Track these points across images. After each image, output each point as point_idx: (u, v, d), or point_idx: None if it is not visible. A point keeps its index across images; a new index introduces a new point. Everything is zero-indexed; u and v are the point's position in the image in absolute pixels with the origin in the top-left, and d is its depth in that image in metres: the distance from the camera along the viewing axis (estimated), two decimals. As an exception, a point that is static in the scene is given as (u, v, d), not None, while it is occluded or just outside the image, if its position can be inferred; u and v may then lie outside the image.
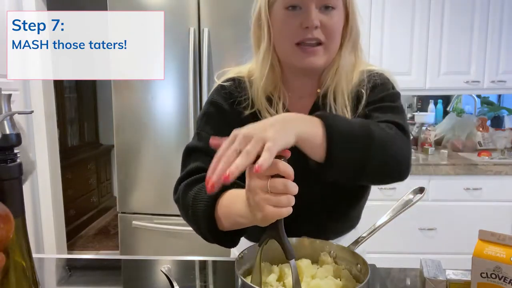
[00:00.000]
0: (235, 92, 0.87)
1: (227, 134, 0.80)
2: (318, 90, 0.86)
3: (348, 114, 0.83)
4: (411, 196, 0.83)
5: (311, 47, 0.78)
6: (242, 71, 0.91)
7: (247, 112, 0.85)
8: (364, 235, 0.79)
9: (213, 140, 0.60)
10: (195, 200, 0.74)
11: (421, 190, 0.83)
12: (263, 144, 0.54)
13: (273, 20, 0.81)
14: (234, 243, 0.76)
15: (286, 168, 0.56)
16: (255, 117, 0.84)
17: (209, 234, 0.73)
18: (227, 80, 0.90)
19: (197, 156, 0.83)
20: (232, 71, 0.93)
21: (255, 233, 0.67)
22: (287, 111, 0.86)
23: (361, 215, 1.00)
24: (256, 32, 0.85)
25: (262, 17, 0.82)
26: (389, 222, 0.81)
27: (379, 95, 0.84)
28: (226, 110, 0.87)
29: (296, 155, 0.60)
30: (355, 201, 0.93)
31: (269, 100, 0.85)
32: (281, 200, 0.56)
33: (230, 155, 0.55)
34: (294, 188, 0.57)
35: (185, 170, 0.83)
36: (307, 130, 0.62)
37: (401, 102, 0.87)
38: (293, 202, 0.57)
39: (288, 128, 0.59)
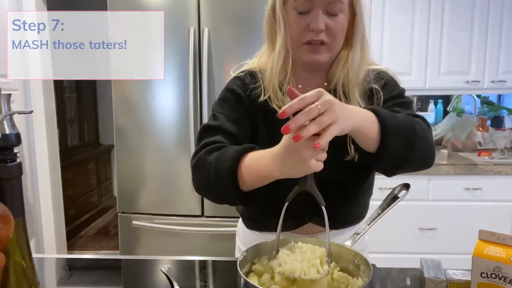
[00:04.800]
0: (248, 82, 0.95)
1: (242, 115, 0.94)
2: (325, 84, 0.94)
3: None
4: (395, 192, 0.87)
5: (316, 46, 0.86)
6: (253, 62, 0.99)
7: (259, 100, 0.92)
8: (359, 231, 0.80)
9: (291, 88, 0.66)
10: (219, 161, 0.79)
11: (405, 186, 0.85)
12: (332, 121, 0.62)
13: (286, 17, 0.88)
14: (252, 200, 0.80)
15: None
16: (267, 105, 0.91)
17: (231, 191, 0.77)
18: (240, 72, 0.98)
19: (212, 133, 0.90)
20: (246, 64, 1.00)
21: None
22: None
23: (366, 210, 1.02)
24: (271, 24, 0.92)
25: (278, 13, 0.89)
26: (380, 218, 0.82)
27: (394, 92, 0.93)
28: (241, 96, 0.94)
29: None
30: (360, 190, 0.98)
31: (280, 88, 0.92)
32: (324, 156, 0.65)
33: (311, 111, 0.61)
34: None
35: (201, 143, 0.88)
36: (364, 123, 0.71)
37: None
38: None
39: (350, 117, 0.67)
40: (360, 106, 0.88)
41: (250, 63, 0.99)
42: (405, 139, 0.75)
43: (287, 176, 0.69)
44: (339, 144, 0.85)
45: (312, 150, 0.63)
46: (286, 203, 0.70)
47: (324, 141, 0.61)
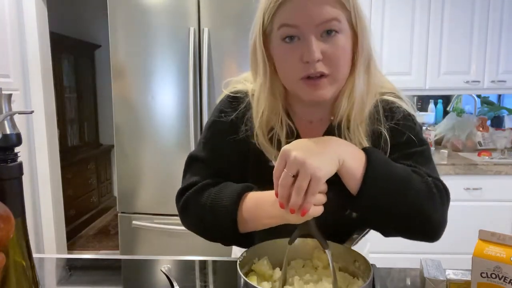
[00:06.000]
0: (243, 108, 0.84)
1: (232, 147, 0.83)
2: (332, 118, 0.81)
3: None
4: None
5: (316, 80, 0.71)
6: (247, 85, 0.86)
7: (253, 143, 0.81)
8: (358, 232, 0.79)
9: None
10: (215, 205, 0.76)
11: None
12: (310, 177, 0.59)
13: (273, 52, 0.75)
14: (252, 243, 0.78)
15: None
16: (261, 154, 0.81)
17: (232, 236, 0.77)
18: (237, 92, 0.86)
19: (198, 168, 0.85)
20: (238, 81, 0.88)
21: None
22: (298, 136, 0.82)
23: None
24: (253, 63, 0.79)
25: (257, 49, 0.75)
26: None
27: (404, 137, 0.78)
28: (234, 124, 0.83)
29: None
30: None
31: (271, 131, 0.80)
32: (322, 199, 0.63)
33: (285, 181, 0.61)
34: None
35: (186, 182, 0.84)
36: (349, 161, 0.65)
37: (422, 133, 0.82)
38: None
39: (331, 156, 0.63)
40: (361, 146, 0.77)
41: (243, 82, 0.87)
42: (393, 191, 0.66)
43: (287, 222, 0.67)
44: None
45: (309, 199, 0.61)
46: (288, 246, 0.68)
47: (309, 203, 0.60)
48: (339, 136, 0.77)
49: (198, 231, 0.82)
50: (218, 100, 0.90)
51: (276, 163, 0.63)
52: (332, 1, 0.68)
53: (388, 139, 0.77)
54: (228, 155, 0.84)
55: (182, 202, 0.83)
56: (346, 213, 0.79)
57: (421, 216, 0.70)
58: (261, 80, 0.77)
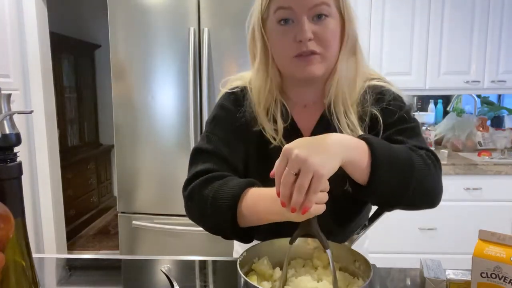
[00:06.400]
0: (242, 100, 0.89)
1: (235, 137, 0.87)
2: (324, 101, 0.86)
3: (358, 131, 0.83)
4: None
5: (308, 56, 0.79)
6: (245, 80, 0.92)
7: (254, 129, 0.87)
8: (358, 232, 0.79)
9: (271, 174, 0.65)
10: (217, 198, 0.77)
11: None
12: (312, 175, 0.59)
13: (269, 35, 0.82)
14: (252, 238, 0.79)
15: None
16: (262, 135, 0.86)
17: (231, 230, 0.77)
18: (235, 87, 0.92)
19: (206, 158, 0.86)
20: (236, 79, 0.94)
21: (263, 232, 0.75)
22: (292, 120, 0.87)
23: (367, 217, 0.97)
24: (252, 47, 0.87)
25: (256, 34, 0.84)
26: (380, 218, 0.81)
27: (396, 115, 0.83)
28: (235, 115, 0.89)
29: None
30: (363, 207, 0.94)
31: (269, 113, 0.86)
32: (324, 197, 0.63)
33: (287, 180, 0.61)
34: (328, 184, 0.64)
35: (193, 171, 0.85)
36: (353, 154, 0.66)
37: (411, 112, 0.88)
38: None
39: (334, 152, 0.63)
40: (355, 129, 0.83)
41: (239, 79, 0.94)
42: (399, 173, 0.69)
43: (288, 219, 0.66)
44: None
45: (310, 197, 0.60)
46: (290, 246, 0.68)
47: (311, 202, 0.60)
48: (332, 120, 0.83)
49: (200, 222, 0.83)
50: (217, 98, 0.95)
51: (277, 162, 0.63)
52: None
53: (380, 119, 0.83)
54: (231, 144, 0.87)
55: (187, 192, 0.84)
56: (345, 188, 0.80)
57: (423, 189, 0.73)
58: (259, 61, 0.84)
